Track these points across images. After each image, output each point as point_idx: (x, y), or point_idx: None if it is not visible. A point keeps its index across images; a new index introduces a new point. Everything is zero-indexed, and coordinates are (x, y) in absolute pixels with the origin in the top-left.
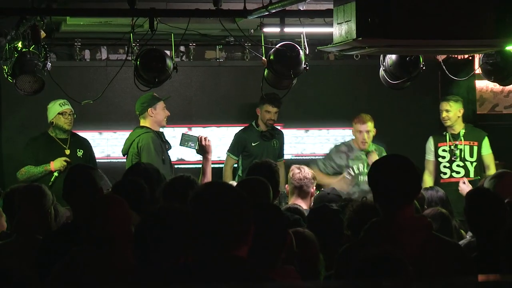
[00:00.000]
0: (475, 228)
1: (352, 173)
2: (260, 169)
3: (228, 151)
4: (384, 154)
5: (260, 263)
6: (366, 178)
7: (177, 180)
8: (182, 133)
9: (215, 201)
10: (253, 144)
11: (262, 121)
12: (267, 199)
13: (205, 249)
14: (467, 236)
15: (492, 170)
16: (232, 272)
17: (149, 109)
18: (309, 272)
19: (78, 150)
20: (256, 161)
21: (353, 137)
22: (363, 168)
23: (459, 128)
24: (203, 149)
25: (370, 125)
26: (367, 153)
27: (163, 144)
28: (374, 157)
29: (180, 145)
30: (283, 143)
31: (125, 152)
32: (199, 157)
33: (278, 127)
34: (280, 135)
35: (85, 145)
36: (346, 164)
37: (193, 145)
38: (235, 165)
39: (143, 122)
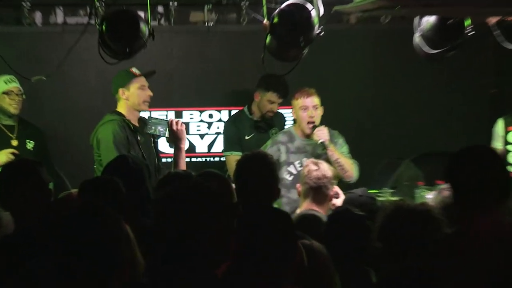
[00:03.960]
0: None
1: (294, 171)
2: (252, 162)
3: (226, 150)
4: (340, 141)
5: (264, 284)
6: None
7: (171, 178)
8: (149, 117)
9: (183, 206)
10: (246, 138)
11: (259, 109)
12: (227, 199)
13: (170, 264)
14: None
15: None
16: None
17: (120, 90)
18: None
19: (28, 141)
20: (246, 154)
21: (292, 124)
22: None
23: None
24: (174, 136)
25: (317, 101)
26: (316, 142)
27: (134, 136)
28: (332, 148)
29: (145, 131)
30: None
31: (91, 143)
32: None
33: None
34: (280, 119)
35: (38, 135)
36: (286, 159)
37: (162, 130)
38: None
39: (118, 107)
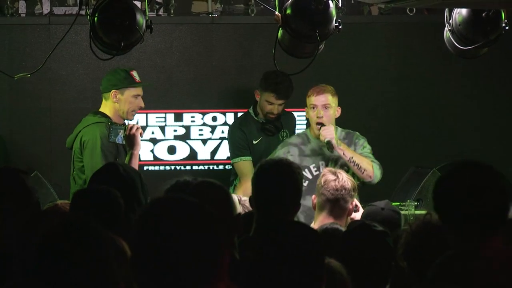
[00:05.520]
0: None
1: (309, 176)
2: (275, 169)
3: (233, 156)
4: (361, 142)
5: None
6: None
7: (172, 189)
8: (111, 122)
9: (168, 224)
10: (254, 142)
11: (261, 110)
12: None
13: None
14: None
15: None
16: None
17: (113, 91)
18: None
19: None
20: (265, 161)
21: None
22: (328, 166)
23: None
24: (128, 141)
25: (331, 99)
26: (329, 145)
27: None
28: (348, 152)
29: (109, 140)
30: (295, 132)
31: (70, 146)
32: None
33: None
34: (291, 121)
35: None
36: (299, 163)
37: (113, 136)
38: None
39: (103, 106)
